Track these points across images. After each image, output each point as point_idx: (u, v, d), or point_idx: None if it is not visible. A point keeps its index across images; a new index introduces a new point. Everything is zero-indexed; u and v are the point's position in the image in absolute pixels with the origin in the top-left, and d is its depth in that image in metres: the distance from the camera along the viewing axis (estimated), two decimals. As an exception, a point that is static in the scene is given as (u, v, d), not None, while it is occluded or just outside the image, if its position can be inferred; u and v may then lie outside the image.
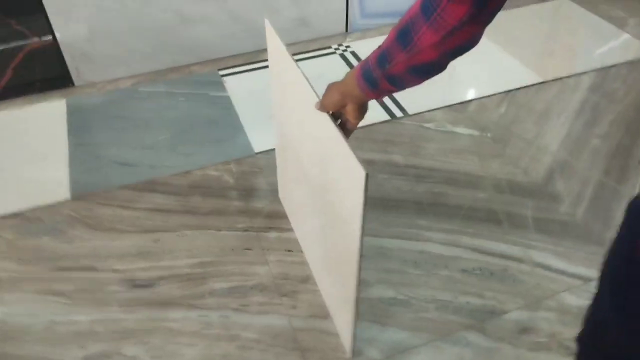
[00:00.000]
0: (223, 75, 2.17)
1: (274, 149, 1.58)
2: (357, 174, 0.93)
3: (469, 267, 1.46)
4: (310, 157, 1.25)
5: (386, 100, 2.02)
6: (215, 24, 2.18)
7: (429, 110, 1.98)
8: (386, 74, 0.88)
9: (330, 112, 1.06)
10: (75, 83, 2.11)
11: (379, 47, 0.89)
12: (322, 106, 1.05)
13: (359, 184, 0.94)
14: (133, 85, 2.13)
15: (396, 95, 2.03)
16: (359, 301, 1.13)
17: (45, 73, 2.05)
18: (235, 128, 1.90)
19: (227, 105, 2.01)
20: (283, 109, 1.37)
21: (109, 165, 1.76)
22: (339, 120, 1.05)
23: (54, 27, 1.95)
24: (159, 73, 2.20)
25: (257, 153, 1.80)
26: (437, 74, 0.88)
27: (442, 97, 2.03)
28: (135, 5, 2.02)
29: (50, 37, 1.97)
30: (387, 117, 1.96)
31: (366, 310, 1.34)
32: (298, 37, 2.35)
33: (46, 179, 1.71)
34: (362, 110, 1.03)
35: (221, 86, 2.11)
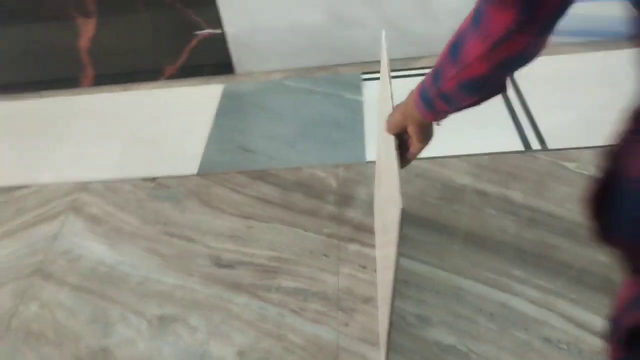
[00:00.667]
0: (365, 80, 2.19)
1: (375, 162, 1.56)
2: (395, 205, 0.88)
3: (554, 338, 1.25)
4: (381, 177, 1.21)
5: (525, 127, 1.81)
6: (369, 27, 2.19)
7: (575, 148, 1.72)
8: (439, 92, 0.82)
9: (395, 133, 1.01)
10: (236, 71, 2.34)
11: (435, 63, 0.84)
12: (387, 126, 1.02)
13: (395, 216, 0.89)
14: (282, 79, 2.27)
15: (540, 123, 1.82)
16: (390, 337, 1.07)
17: (212, 59, 2.31)
18: (356, 133, 1.91)
19: (357, 109, 2.03)
20: (379, 123, 1.34)
21: (236, 150, 1.92)
22: (399, 143, 1.00)
23: (223, 19, 2.19)
24: (308, 70, 2.31)
25: (368, 162, 1.78)
26: (493, 92, 0.80)
27: (598, 134, 1.74)
28: (295, 4, 2.14)
29: (219, 29, 2.21)
30: (521, 148, 1.76)
31: (417, 350, 1.26)
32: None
33: (184, 152, 1.95)
34: (424, 133, 0.97)
35: (359, 90, 2.13)
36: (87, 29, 2.24)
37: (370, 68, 2.24)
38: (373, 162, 1.78)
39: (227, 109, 2.13)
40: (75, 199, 1.81)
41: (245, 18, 2.19)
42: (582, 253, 1.41)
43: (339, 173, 1.76)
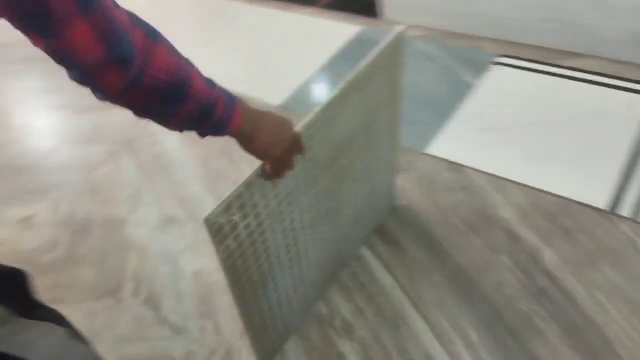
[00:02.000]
0: (497, 63, 1.89)
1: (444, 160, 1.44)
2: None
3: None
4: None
5: (628, 189, 1.40)
6: (533, 8, 1.85)
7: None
8: None
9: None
10: (381, 17, 2.25)
11: None
12: None
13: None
14: (416, 37, 2.11)
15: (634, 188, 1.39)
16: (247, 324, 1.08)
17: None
18: (438, 120, 1.72)
19: (462, 93, 1.80)
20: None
21: (322, 96, 1.93)
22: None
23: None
24: (449, 34, 2.09)
25: (425, 153, 1.62)
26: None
27: None
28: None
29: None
30: (603, 206, 1.38)
31: (319, 348, 1.23)
32: (631, 57, 1.76)
33: (279, 81, 2.02)
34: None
35: (480, 71, 1.86)
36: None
37: (516, 52, 1.91)
38: (430, 155, 1.61)
39: (347, 53, 2.10)
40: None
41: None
42: None
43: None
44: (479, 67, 1.89)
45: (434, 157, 1.61)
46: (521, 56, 1.90)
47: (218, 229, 0.82)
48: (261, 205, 0.90)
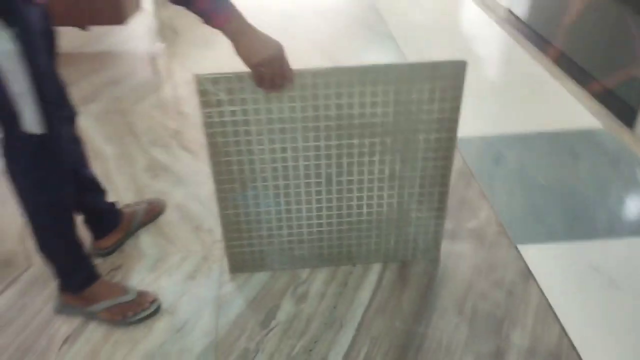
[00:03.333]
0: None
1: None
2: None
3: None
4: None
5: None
6: None
7: None
8: None
9: None
10: (630, 127, 1.99)
11: None
12: None
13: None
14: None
15: None
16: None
17: None
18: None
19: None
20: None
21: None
22: None
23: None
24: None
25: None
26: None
27: None
28: None
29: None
30: None
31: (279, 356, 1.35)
32: None
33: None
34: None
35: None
36: None
37: None
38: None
39: (565, 139, 1.97)
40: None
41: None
42: None
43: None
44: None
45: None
46: None
47: (203, 91, 1.11)
48: (250, 106, 1.14)
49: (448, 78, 1.15)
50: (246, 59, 1.04)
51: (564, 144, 1.94)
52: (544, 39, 2.63)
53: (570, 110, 2.18)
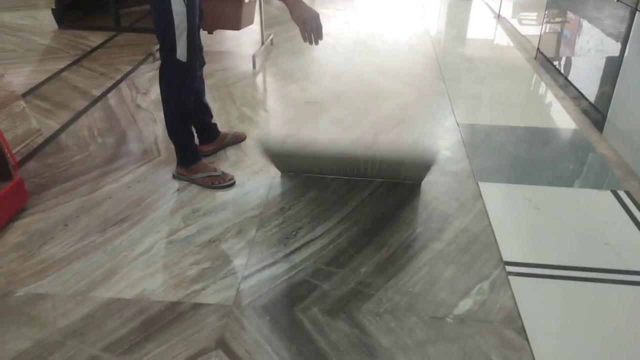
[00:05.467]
0: None
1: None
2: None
3: None
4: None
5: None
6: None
7: None
8: None
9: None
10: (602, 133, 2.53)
11: None
12: None
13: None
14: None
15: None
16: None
17: None
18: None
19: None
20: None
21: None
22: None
23: None
24: None
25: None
26: None
27: None
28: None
29: None
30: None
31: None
32: None
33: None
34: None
35: None
36: None
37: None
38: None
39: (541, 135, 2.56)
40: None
41: None
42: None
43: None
44: None
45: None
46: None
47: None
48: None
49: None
50: (298, 18, 1.79)
51: (541, 134, 2.56)
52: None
53: (560, 116, 2.77)
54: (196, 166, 2.09)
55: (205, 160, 2.15)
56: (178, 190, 2.05)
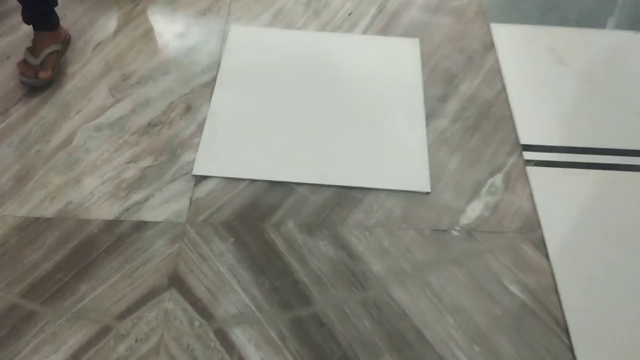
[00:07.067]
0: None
1: None
2: None
3: None
4: None
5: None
6: None
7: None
8: None
9: None
10: None
11: None
12: None
13: None
14: None
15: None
16: None
17: None
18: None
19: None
20: None
21: None
22: None
23: None
24: None
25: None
26: None
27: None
28: None
29: None
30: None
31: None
32: None
33: None
34: None
35: None
36: None
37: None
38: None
39: None
40: None
41: None
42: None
43: (469, 11, 1.71)
44: None
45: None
46: None
47: None
48: None
49: None
50: None
51: None
52: None
53: None
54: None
55: (131, 4, 1.59)
56: (100, 43, 1.54)
